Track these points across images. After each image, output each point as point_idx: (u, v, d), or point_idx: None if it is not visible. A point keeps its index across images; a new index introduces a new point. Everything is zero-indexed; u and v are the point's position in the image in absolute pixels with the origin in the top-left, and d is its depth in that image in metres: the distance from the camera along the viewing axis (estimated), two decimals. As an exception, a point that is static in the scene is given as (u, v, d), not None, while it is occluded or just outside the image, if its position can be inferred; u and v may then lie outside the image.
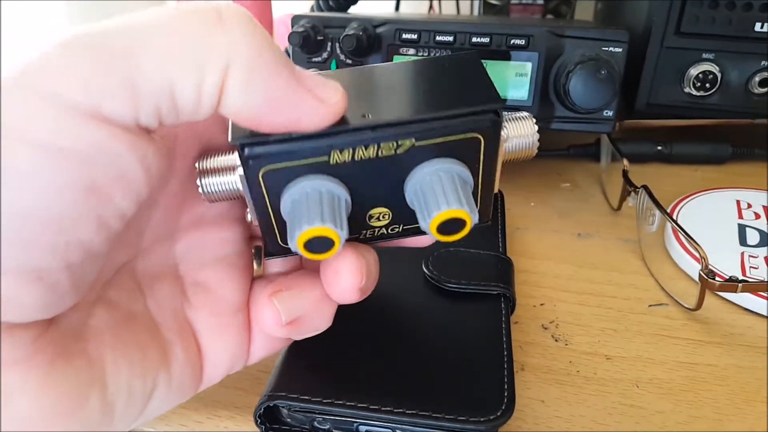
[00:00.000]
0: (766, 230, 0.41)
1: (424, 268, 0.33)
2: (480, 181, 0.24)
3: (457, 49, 0.44)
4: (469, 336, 0.29)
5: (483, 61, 0.43)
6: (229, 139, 0.21)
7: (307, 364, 0.27)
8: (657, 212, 0.38)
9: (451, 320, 0.30)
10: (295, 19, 0.46)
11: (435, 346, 0.28)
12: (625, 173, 0.43)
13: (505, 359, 0.27)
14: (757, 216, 0.42)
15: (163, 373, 0.22)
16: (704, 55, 0.47)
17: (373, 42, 0.44)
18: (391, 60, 0.45)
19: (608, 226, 0.44)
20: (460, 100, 0.22)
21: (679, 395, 0.29)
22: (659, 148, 0.54)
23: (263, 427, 0.25)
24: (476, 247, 0.35)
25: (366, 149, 0.21)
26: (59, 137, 0.17)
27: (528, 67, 0.43)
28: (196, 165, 0.23)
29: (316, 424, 0.26)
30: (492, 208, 0.25)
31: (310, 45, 0.45)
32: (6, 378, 0.17)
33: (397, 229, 0.25)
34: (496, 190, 0.25)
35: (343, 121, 0.21)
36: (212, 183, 0.23)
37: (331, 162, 0.21)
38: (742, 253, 0.38)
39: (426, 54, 0.44)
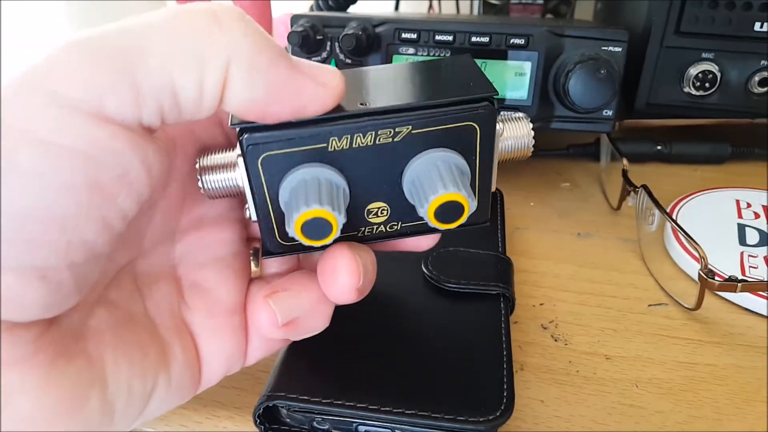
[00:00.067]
0: (765, 230, 0.40)
1: (424, 268, 0.33)
2: (477, 175, 0.24)
3: (457, 49, 0.44)
4: (468, 336, 0.29)
5: (483, 60, 0.43)
6: (229, 123, 0.21)
7: (307, 364, 0.27)
8: (656, 212, 0.38)
9: (451, 320, 0.30)
10: (295, 18, 0.46)
11: (434, 345, 0.28)
12: (624, 173, 0.43)
13: (505, 359, 0.27)
14: (757, 215, 0.42)
15: (162, 374, 0.22)
16: (704, 55, 0.47)
17: (372, 41, 0.44)
18: (391, 59, 0.45)
19: (608, 225, 0.44)
20: (456, 91, 0.23)
21: (678, 395, 0.29)
22: (659, 147, 0.54)
23: (262, 427, 0.25)
24: (476, 247, 0.35)
25: (364, 136, 0.22)
26: (61, 136, 0.17)
27: (527, 66, 0.43)
28: (197, 161, 0.23)
29: (315, 424, 0.26)
30: (490, 208, 0.25)
31: (309, 44, 0.45)
32: (6, 377, 0.17)
33: (395, 227, 0.25)
34: (493, 189, 0.25)
35: (341, 109, 0.22)
36: (212, 180, 0.23)
37: (330, 149, 0.22)
38: (742, 253, 0.38)
39: (425, 54, 0.44)
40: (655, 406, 0.28)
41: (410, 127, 0.22)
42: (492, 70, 0.44)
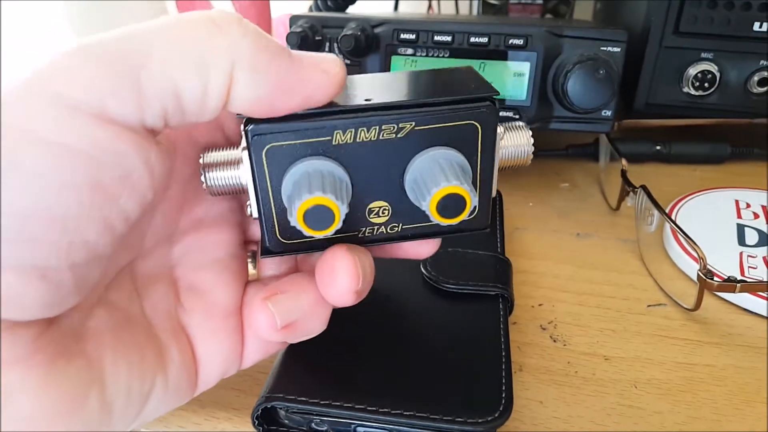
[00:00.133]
0: (764, 230, 0.40)
1: (422, 269, 0.33)
2: (478, 177, 0.24)
3: (456, 49, 0.44)
4: (467, 337, 0.29)
5: (481, 61, 0.43)
6: (237, 114, 0.22)
7: (305, 366, 0.27)
8: (655, 212, 0.38)
9: (449, 321, 0.30)
10: (293, 19, 0.46)
11: (433, 346, 0.28)
12: (623, 173, 0.43)
13: (503, 360, 0.27)
14: (756, 216, 0.42)
15: (160, 375, 0.22)
16: (703, 55, 0.47)
17: (371, 42, 0.44)
18: (389, 60, 0.45)
19: (607, 226, 0.44)
20: (458, 92, 0.23)
21: (677, 396, 0.29)
22: (658, 147, 0.54)
23: (261, 428, 0.25)
24: (474, 248, 0.35)
25: (368, 131, 0.22)
26: (64, 136, 0.17)
27: (526, 66, 0.43)
28: (200, 158, 0.23)
29: (313, 425, 0.26)
30: (491, 214, 0.25)
31: (308, 45, 0.45)
32: (6, 377, 0.17)
33: (396, 229, 0.25)
34: (494, 194, 0.25)
35: (346, 104, 0.22)
36: (216, 176, 0.23)
37: (334, 142, 0.22)
38: (741, 253, 0.38)
39: (424, 54, 0.44)
40: (653, 406, 0.28)
41: (413, 123, 0.22)
42: (491, 70, 0.44)
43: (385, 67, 0.45)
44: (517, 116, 0.44)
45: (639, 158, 0.54)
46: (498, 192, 0.44)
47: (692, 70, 0.47)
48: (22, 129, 0.17)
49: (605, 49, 0.42)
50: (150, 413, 0.23)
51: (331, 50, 0.46)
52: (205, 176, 0.23)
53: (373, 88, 0.25)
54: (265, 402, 0.25)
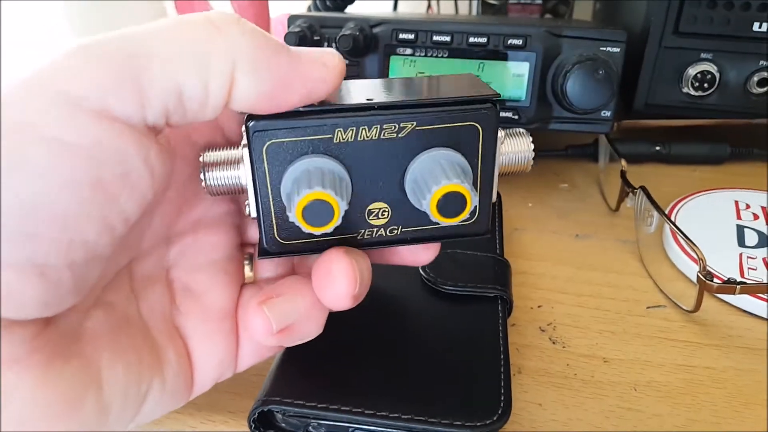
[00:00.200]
0: (764, 231, 0.40)
1: (421, 271, 0.33)
2: (479, 180, 0.24)
3: (455, 50, 0.44)
4: (465, 339, 0.29)
5: (480, 61, 0.43)
6: (238, 111, 0.22)
7: (302, 369, 0.27)
8: (655, 213, 0.38)
9: (448, 323, 0.30)
10: (292, 19, 0.46)
11: (431, 349, 0.28)
12: (623, 174, 0.43)
13: (502, 362, 0.27)
14: (756, 217, 0.42)
15: (157, 378, 0.22)
16: (702, 55, 0.47)
17: (369, 42, 0.44)
18: (388, 60, 0.45)
19: (606, 226, 0.44)
20: (460, 93, 0.23)
21: (677, 398, 0.28)
22: (657, 148, 0.54)
23: (258, 432, 0.25)
24: (473, 249, 0.35)
25: (369, 129, 0.22)
26: (66, 133, 0.17)
27: (525, 67, 0.43)
28: (200, 157, 0.23)
29: (310, 428, 0.26)
30: (491, 218, 0.25)
31: (306, 45, 0.45)
32: (3, 377, 0.17)
33: (395, 231, 0.24)
34: (494, 199, 0.25)
35: (348, 103, 0.22)
36: (215, 176, 0.23)
37: (335, 140, 0.22)
38: (741, 254, 0.38)
39: (423, 54, 0.44)
40: (653, 409, 0.28)
41: (414, 123, 0.22)
42: (490, 71, 0.44)
43: (384, 67, 0.45)
44: (516, 117, 0.44)
45: (638, 159, 0.54)
46: (498, 193, 0.44)
47: (692, 71, 0.47)
48: (25, 126, 0.17)
49: (604, 49, 0.42)
50: (146, 415, 0.22)
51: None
52: (204, 175, 0.23)
53: (375, 89, 0.25)
54: (262, 405, 0.25)
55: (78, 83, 0.18)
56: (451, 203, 0.21)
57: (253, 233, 0.27)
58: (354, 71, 0.45)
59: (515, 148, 0.25)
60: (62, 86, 0.17)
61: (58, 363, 0.19)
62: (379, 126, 0.22)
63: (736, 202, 0.44)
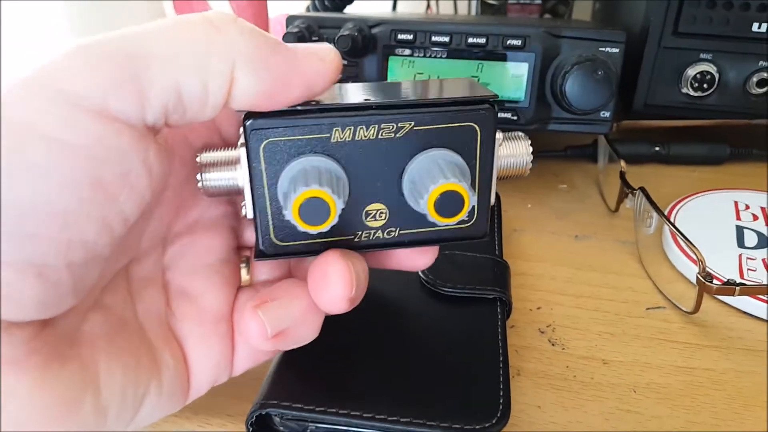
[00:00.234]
0: (763, 232, 0.40)
1: (420, 272, 0.33)
2: (477, 180, 0.24)
3: (453, 50, 0.44)
4: (464, 341, 0.29)
5: (479, 62, 0.43)
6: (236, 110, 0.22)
7: (300, 372, 0.27)
8: (654, 214, 0.37)
9: (447, 325, 0.30)
10: (290, 19, 0.46)
11: (430, 351, 0.28)
12: (622, 175, 0.43)
13: (501, 364, 0.27)
14: (755, 217, 0.42)
15: (154, 381, 0.22)
16: (702, 56, 0.47)
17: (368, 43, 0.44)
18: (387, 61, 0.45)
19: (605, 227, 0.44)
20: (457, 95, 0.23)
21: (676, 400, 0.28)
22: (657, 148, 0.54)
23: (255, 435, 0.25)
24: (472, 250, 0.35)
25: (367, 129, 0.22)
26: (65, 132, 0.17)
27: (524, 67, 0.43)
28: (197, 158, 0.23)
29: None
30: (489, 221, 0.25)
31: (304, 46, 0.45)
32: (1, 378, 0.17)
33: (393, 234, 0.24)
34: (492, 201, 0.25)
35: (346, 103, 0.22)
36: (212, 177, 0.23)
37: (332, 140, 0.22)
38: (740, 255, 0.38)
39: (422, 55, 0.44)
40: (652, 411, 0.28)
41: (412, 123, 0.22)
42: (489, 71, 0.44)
43: (383, 68, 0.45)
44: (515, 117, 0.44)
45: (638, 159, 0.54)
46: (497, 193, 0.44)
47: (691, 71, 0.47)
48: (25, 125, 0.17)
49: (604, 49, 0.42)
50: (143, 419, 0.22)
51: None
52: (201, 176, 0.23)
53: (373, 91, 0.25)
54: (260, 409, 0.24)
55: (78, 83, 0.18)
56: (448, 202, 0.21)
57: (249, 236, 0.27)
58: (352, 72, 0.45)
59: (514, 151, 0.25)
60: (62, 85, 0.17)
61: (55, 365, 0.19)
62: (376, 126, 0.22)
63: (736, 203, 0.44)
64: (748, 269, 0.36)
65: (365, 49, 0.44)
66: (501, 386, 0.26)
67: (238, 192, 0.23)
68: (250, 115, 0.22)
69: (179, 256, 0.25)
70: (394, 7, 0.79)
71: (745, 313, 0.34)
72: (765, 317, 0.33)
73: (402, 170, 0.23)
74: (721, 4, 0.45)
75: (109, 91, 0.18)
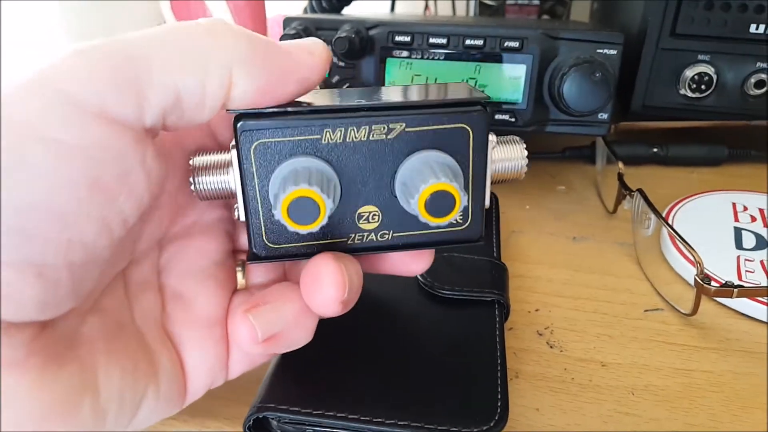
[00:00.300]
0: (762, 233, 0.40)
1: (418, 275, 0.33)
2: (470, 183, 0.24)
3: (451, 52, 0.44)
4: (462, 343, 0.29)
5: (477, 63, 0.43)
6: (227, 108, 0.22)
7: (298, 375, 0.27)
8: (652, 216, 0.37)
9: (445, 327, 0.30)
10: (287, 21, 0.46)
11: (428, 354, 0.28)
12: (620, 176, 0.43)
13: (499, 367, 0.27)
14: (753, 219, 0.42)
15: (152, 384, 0.22)
16: (700, 57, 0.47)
17: (365, 44, 0.44)
18: (384, 63, 0.45)
19: (604, 229, 0.44)
20: (449, 96, 0.24)
21: (674, 402, 0.28)
22: (655, 150, 0.54)
23: (253, 438, 0.25)
24: (470, 253, 0.35)
25: (358, 130, 0.22)
26: (66, 133, 0.17)
27: (522, 69, 0.43)
28: (190, 162, 0.23)
29: (306, 435, 0.25)
30: (483, 224, 0.25)
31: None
32: (1, 379, 0.17)
33: (386, 236, 0.24)
34: (487, 204, 0.24)
35: (337, 104, 0.22)
36: (204, 180, 0.23)
37: (323, 141, 0.22)
38: (738, 257, 0.38)
39: (419, 57, 0.44)
40: (651, 413, 0.28)
41: (404, 124, 0.22)
42: (486, 73, 0.44)
43: (380, 70, 0.45)
44: (513, 119, 0.44)
45: (636, 161, 0.54)
46: (494, 195, 0.44)
47: (689, 72, 0.47)
48: (25, 125, 0.17)
49: (601, 51, 0.42)
50: (141, 422, 0.22)
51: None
52: (194, 180, 0.23)
53: (366, 94, 0.25)
54: (257, 412, 0.24)
55: (77, 84, 0.18)
56: (439, 202, 0.21)
57: (245, 240, 0.27)
58: (350, 74, 0.45)
59: (508, 155, 0.25)
60: (62, 87, 0.18)
61: (54, 367, 0.19)
62: (368, 127, 0.22)
63: (734, 204, 0.44)
64: (746, 271, 0.36)
65: (363, 50, 0.44)
66: (499, 388, 0.26)
67: (231, 195, 0.23)
68: (241, 116, 0.22)
69: (174, 260, 0.25)
70: (392, 8, 0.79)
71: (743, 314, 0.34)
72: (763, 319, 0.33)
73: (394, 172, 0.23)
74: (718, 5, 0.45)
75: (108, 93, 0.18)
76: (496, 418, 0.24)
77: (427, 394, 0.25)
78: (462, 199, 0.21)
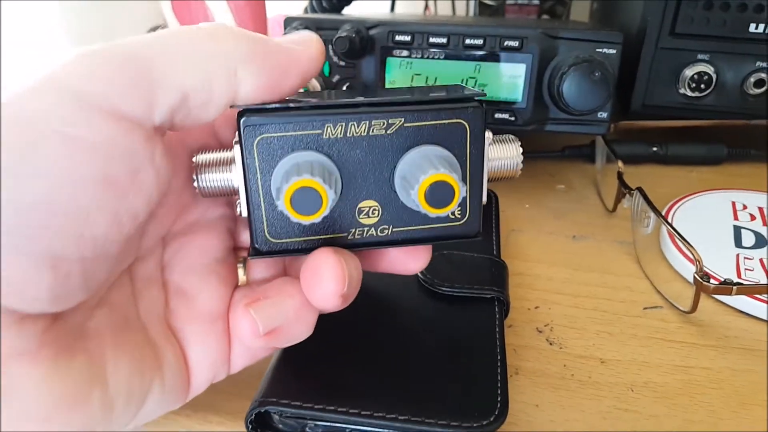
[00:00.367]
0: (761, 232, 0.40)
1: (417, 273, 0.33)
2: (468, 178, 0.24)
3: (451, 51, 0.44)
4: (462, 340, 0.29)
5: (477, 63, 0.43)
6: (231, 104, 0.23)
7: (299, 370, 0.27)
8: (652, 214, 0.38)
9: (445, 324, 0.30)
10: (288, 21, 0.46)
11: (428, 349, 0.28)
12: (620, 175, 0.43)
13: (499, 363, 0.27)
14: (753, 218, 0.42)
15: (157, 377, 0.23)
16: (699, 56, 0.47)
17: (366, 44, 0.44)
18: (384, 62, 0.45)
19: (603, 228, 0.44)
20: (447, 94, 0.24)
21: (674, 399, 0.28)
22: (654, 149, 0.54)
23: (254, 433, 0.25)
24: (470, 250, 0.35)
25: (358, 125, 0.23)
26: (80, 129, 0.18)
27: (522, 68, 0.43)
28: (193, 159, 0.24)
29: (307, 430, 0.26)
30: (481, 220, 0.25)
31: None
32: (12, 369, 0.18)
33: (386, 231, 0.24)
34: (484, 200, 0.25)
35: (338, 101, 0.23)
36: (207, 178, 0.24)
37: (324, 136, 0.23)
38: (738, 255, 0.38)
39: (419, 56, 0.44)
40: (650, 410, 0.28)
41: (402, 119, 0.23)
42: (486, 72, 0.44)
43: (380, 69, 0.45)
44: (512, 118, 0.44)
45: (635, 160, 0.54)
46: (494, 194, 0.44)
47: (688, 72, 0.47)
48: (40, 122, 0.18)
49: (601, 50, 0.42)
50: (146, 414, 0.23)
51: (326, 52, 0.45)
52: (197, 177, 0.24)
53: (366, 92, 0.25)
54: (259, 406, 0.25)
55: (89, 83, 0.18)
56: (439, 192, 0.21)
57: (246, 237, 0.27)
58: (350, 73, 0.45)
59: (504, 153, 0.25)
60: (75, 85, 0.18)
61: (65, 358, 0.19)
62: (367, 122, 0.23)
63: (733, 203, 0.44)
64: (746, 269, 0.36)
65: (363, 50, 0.44)
66: (499, 384, 0.26)
67: (233, 192, 0.24)
68: (244, 112, 0.22)
69: (177, 257, 0.25)
70: (393, 8, 0.79)
71: (742, 312, 0.34)
72: (762, 317, 0.33)
73: (394, 167, 0.23)
74: (718, 5, 0.45)
75: (119, 91, 0.19)
76: (496, 413, 0.24)
77: (427, 389, 0.26)
78: (461, 190, 0.21)
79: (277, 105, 0.23)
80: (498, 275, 0.34)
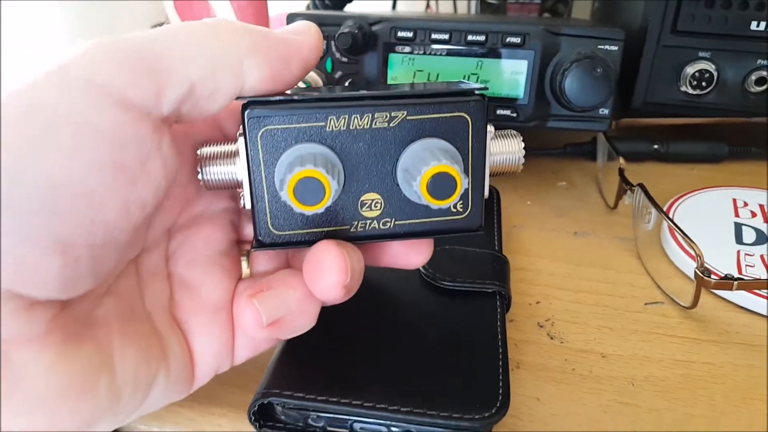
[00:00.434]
0: (762, 228, 0.41)
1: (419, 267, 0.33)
2: (470, 171, 0.24)
3: (453, 48, 0.44)
4: (464, 334, 0.29)
5: (479, 59, 0.43)
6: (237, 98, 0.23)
7: (302, 362, 0.27)
8: (653, 211, 0.38)
9: (447, 318, 0.30)
10: (290, 17, 0.46)
11: (430, 343, 0.28)
12: (621, 172, 0.43)
13: (501, 357, 0.27)
14: (753, 214, 0.42)
15: (163, 366, 0.23)
16: (700, 54, 0.47)
17: (368, 40, 0.44)
18: (387, 58, 0.45)
19: (604, 224, 0.44)
20: (448, 87, 0.24)
21: (675, 393, 0.29)
22: (656, 146, 0.54)
23: (257, 424, 0.25)
24: (472, 245, 0.35)
25: (361, 118, 0.23)
26: (91, 116, 0.18)
27: (524, 65, 0.43)
28: (198, 152, 0.24)
29: (310, 421, 0.26)
30: (483, 214, 0.25)
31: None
32: (21, 354, 0.18)
33: (388, 224, 0.25)
34: (486, 194, 0.25)
35: (341, 94, 0.23)
36: (212, 171, 0.24)
37: (327, 128, 0.23)
38: (738, 251, 0.38)
39: (421, 52, 0.44)
40: (651, 404, 0.28)
41: (405, 112, 0.23)
42: (488, 69, 0.44)
43: (383, 65, 0.45)
44: (514, 114, 0.44)
45: (637, 157, 0.54)
46: (496, 190, 0.44)
47: (690, 69, 0.47)
48: (53, 108, 0.18)
49: (602, 47, 0.42)
50: (151, 404, 0.23)
51: (328, 48, 0.45)
52: (201, 169, 0.24)
53: (369, 87, 0.25)
54: (262, 398, 0.25)
55: (99, 72, 0.19)
56: (441, 184, 0.21)
57: (250, 230, 0.28)
58: (353, 69, 0.46)
59: (506, 148, 0.25)
60: (84, 74, 0.19)
61: (73, 345, 0.19)
62: (370, 115, 0.23)
63: (734, 200, 0.44)
64: (747, 265, 0.37)
65: (365, 46, 0.44)
66: (500, 377, 0.26)
67: (237, 185, 0.24)
68: (248, 104, 0.22)
69: (182, 249, 0.25)
70: (394, 6, 0.79)
71: (742, 308, 0.34)
72: (763, 312, 0.34)
73: (396, 159, 0.24)
74: (719, 2, 0.45)
75: (129, 81, 0.19)
76: (497, 405, 0.24)
77: (429, 382, 0.26)
78: (463, 182, 0.21)
79: (281, 97, 0.23)
80: (499, 270, 0.34)
